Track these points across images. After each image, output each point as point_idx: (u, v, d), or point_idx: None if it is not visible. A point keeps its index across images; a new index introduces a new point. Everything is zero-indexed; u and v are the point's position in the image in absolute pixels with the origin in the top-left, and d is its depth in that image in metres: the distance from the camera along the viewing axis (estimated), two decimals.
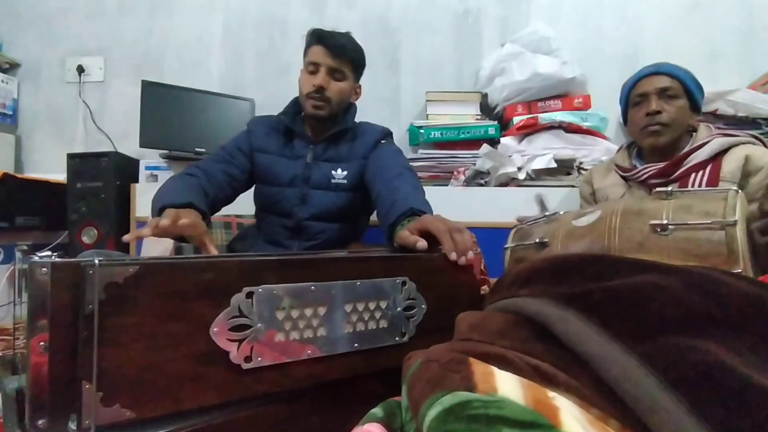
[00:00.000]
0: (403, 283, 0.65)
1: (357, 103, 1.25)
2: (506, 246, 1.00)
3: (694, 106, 1.12)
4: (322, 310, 0.57)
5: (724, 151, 1.03)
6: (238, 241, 1.30)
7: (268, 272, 0.54)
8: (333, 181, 1.14)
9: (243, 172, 1.16)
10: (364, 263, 0.63)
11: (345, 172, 1.15)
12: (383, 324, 0.62)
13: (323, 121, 1.15)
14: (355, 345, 0.60)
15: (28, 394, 0.42)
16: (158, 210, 0.87)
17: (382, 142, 1.19)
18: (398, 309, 0.64)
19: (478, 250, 0.75)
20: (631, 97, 1.16)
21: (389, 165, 1.08)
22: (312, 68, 1.12)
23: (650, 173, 1.09)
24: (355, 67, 1.16)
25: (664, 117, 1.08)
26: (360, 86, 1.23)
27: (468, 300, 0.71)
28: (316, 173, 1.15)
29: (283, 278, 0.55)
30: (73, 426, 0.42)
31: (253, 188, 1.23)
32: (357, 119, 1.23)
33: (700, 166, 1.03)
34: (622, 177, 1.18)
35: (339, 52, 1.11)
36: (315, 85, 1.10)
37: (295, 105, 1.20)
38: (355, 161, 1.16)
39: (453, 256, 0.69)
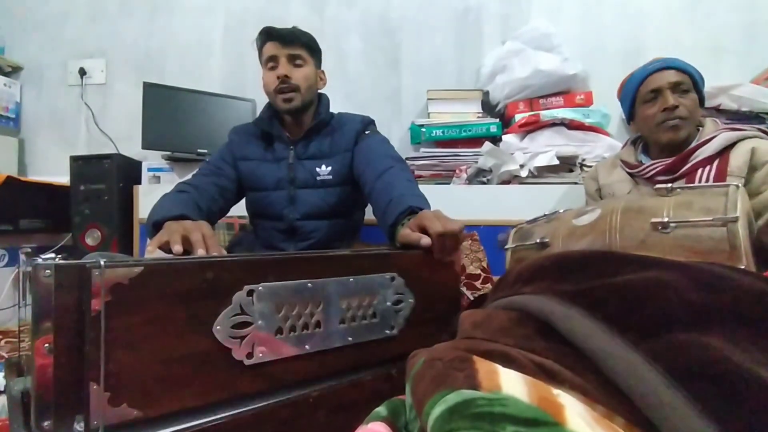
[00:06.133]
0: (392, 279, 0.67)
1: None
2: (507, 246, 1.00)
3: (701, 100, 1.11)
4: (318, 307, 0.58)
5: (731, 146, 1.02)
6: (234, 246, 1.30)
7: (267, 270, 0.54)
8: (319, 178, 1.14)
9: (232, 182, 1.16)
10: (356, 260, 0.65)
11: (330, 168, 1.14)
12: (375, 318, 0.64)
13: (298, 113, 1.14)
14: (349, 339, 0.62)
15: (34, 396, 0.42)
16: (151, 226, 0.86)
17: (366, 132, 1.17)
18: (388, 303, 0.66)
19: (465, 252, 0.78)
20: (642, 94, 1.13)
21: (377, 158, 1.07)
22: (272, 64, 1.12)
23: (657, 169, 1.08)
24: (312, 52, 1.15)
25: (682, 111, 1.07)
26: (324, 72, 1.22)
27: (448, 294, 0.76)
28: (300, 173, 1.14)
29: (281, 276, 0.56)
30: (79, 427, 0.42)
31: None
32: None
33: (707, 161, 1.02)
34: (629, 173, 1.16)
35: (291, 39, 1.11)
36: (279, 76, 1.09)
37: (269, 109, 1.19)
38: (339, 155, 1.15)
39: (437, 256, 0.73)
